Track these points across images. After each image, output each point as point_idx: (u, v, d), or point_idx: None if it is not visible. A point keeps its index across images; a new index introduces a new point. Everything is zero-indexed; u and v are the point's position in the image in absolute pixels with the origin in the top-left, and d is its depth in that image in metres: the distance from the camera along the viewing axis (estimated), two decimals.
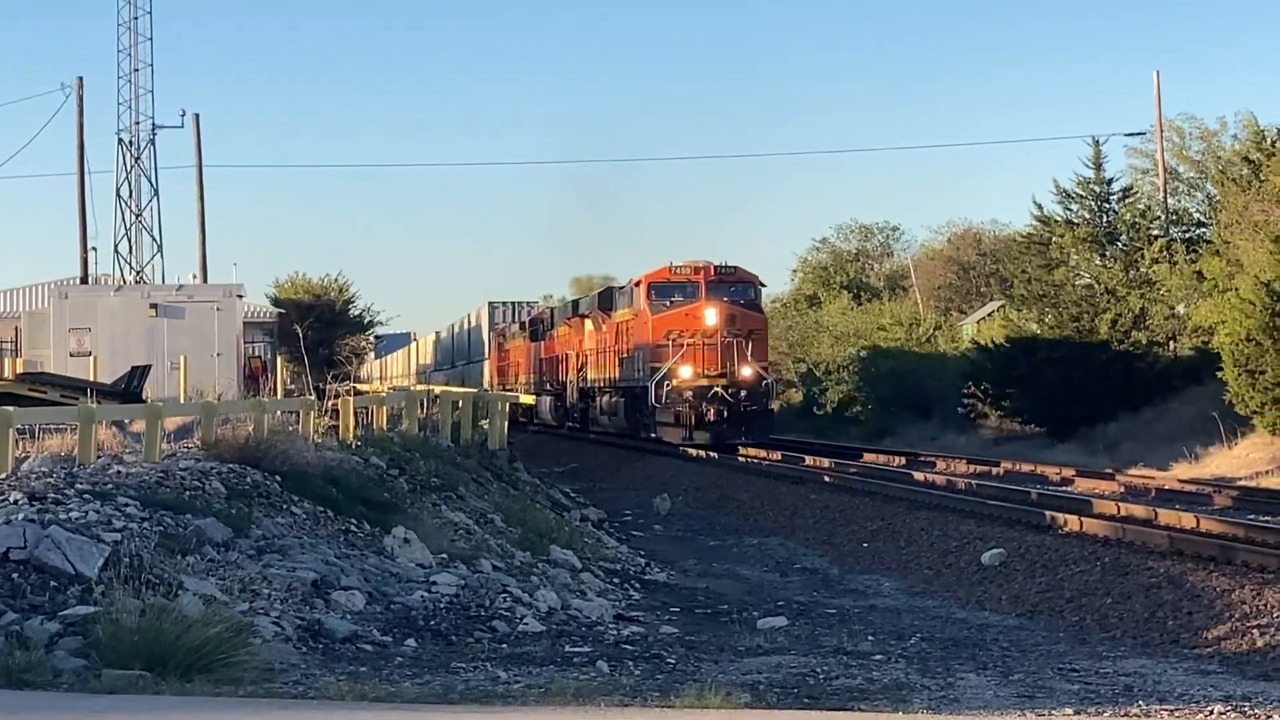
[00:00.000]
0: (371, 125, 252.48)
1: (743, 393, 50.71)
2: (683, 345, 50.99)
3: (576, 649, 15.94)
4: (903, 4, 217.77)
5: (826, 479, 38.41)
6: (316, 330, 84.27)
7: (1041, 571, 23.00)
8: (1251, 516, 27.82)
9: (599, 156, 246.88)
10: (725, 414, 50.59)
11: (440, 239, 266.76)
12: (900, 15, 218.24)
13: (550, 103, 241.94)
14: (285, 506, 19.14)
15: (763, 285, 59.85)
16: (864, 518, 30.91)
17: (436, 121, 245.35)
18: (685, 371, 50.76)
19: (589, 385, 63.98)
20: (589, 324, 63.68)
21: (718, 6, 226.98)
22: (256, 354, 63.03)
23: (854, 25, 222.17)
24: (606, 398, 60.47)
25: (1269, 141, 53.09)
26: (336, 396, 30.76)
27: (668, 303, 52.47)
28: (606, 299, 61.10)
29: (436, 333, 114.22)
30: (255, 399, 30.38)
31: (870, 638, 18.01)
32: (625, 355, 56.49)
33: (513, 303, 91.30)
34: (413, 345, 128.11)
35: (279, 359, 56.36)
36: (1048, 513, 26.84)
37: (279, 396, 36.19)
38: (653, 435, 53.56)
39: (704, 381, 50.57)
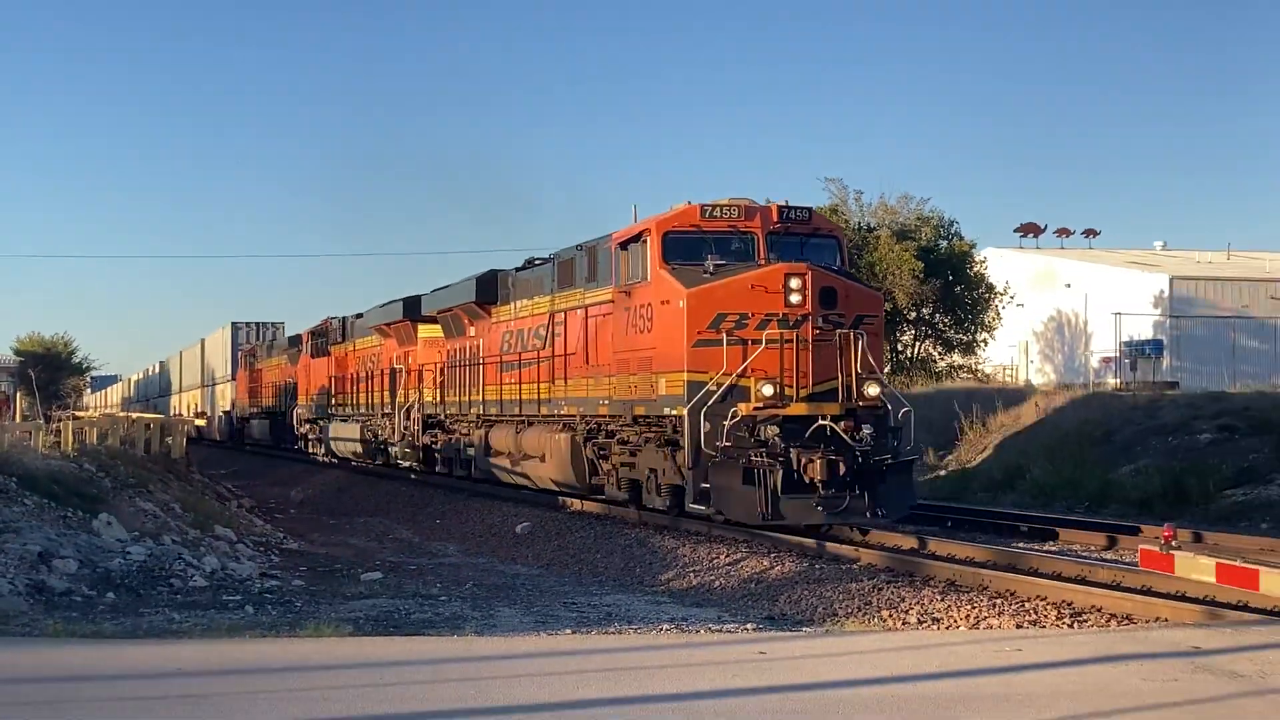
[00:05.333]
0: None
1: (866, 429, 20.03)
2: (753, 343, 20.08)
3: (231, 597, 15.70)
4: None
5: (412, 476, 37.28)
6: (47, 373, 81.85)
7: (555, 537, 23.23)
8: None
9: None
10: (842, 470, 19.63)
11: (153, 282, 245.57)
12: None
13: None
14: (19, 499, 18.34)
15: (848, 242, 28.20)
16: (437, 503, 30.76)
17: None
18: (766, 389, 20.02)
19: (446, 412, 32.71)
20: (434, 330, 33.63)
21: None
22: (2, 390, 60.38)
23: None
24: (522, 436, 26.69)
25: None
26: (59, 420, 30.25)
27: (708, 268, 20.68)
28: (488, 288, 29.26)
29: (163, 366, 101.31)
30: None
31: (438, 585, 17.99)
32: (581, 363, 23.84)
33: (257, 323, 68.50)
34: (120, 383, 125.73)
35: (18, 394, 53.60)
36: (560, 498, 27.17)
37: (17, 421, 34.73)
38: (696, 506, 20.34)
39: (802, 409, 20.07)
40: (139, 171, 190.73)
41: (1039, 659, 10.70)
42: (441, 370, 33.14)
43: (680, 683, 9.84)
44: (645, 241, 21.37)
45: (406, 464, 36.12)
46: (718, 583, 17.53)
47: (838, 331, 19.94)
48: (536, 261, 27.87)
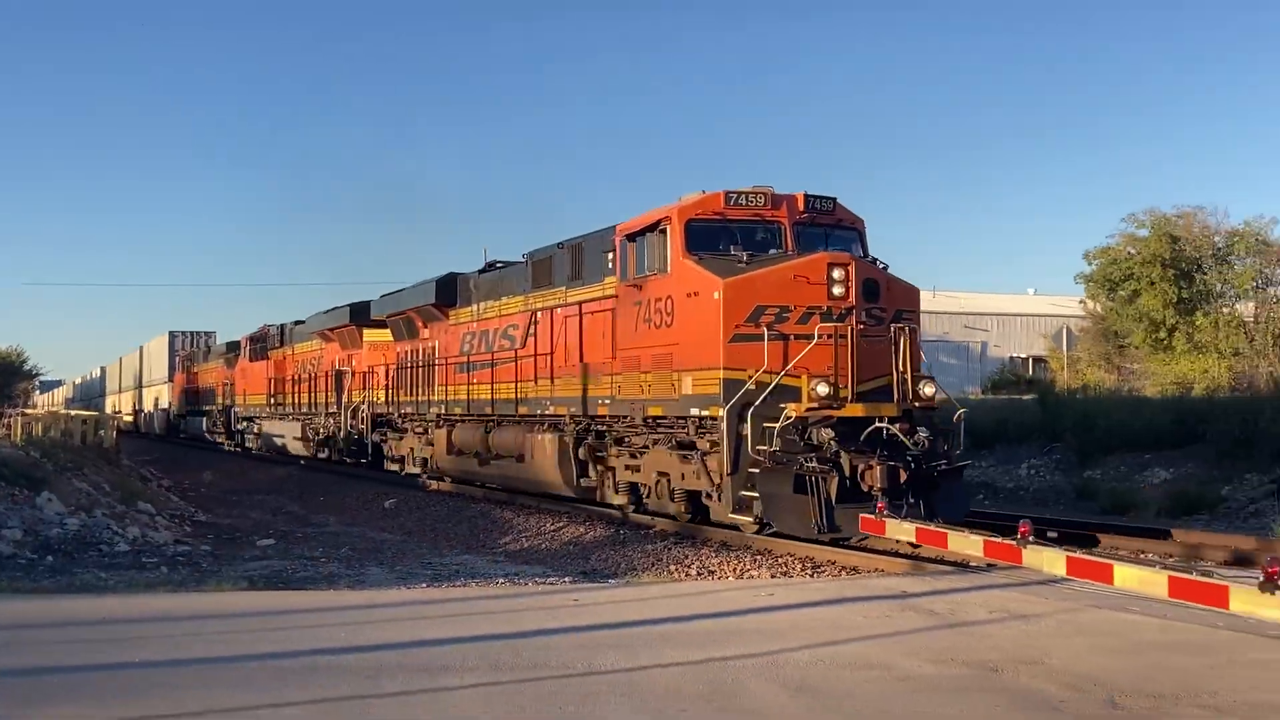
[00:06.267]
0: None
1: (922, 432, 14.63)
2: (796, 338, 14.62)
3: (150, 559, 15.17)
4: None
5: (301, 462, 36.35)
6: (1, 379, 78.69)
7: (416, 510, 22.97)
8: None
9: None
10: (903, 477, 14.30)
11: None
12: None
13: None
14: None
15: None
16: (322, 484, 30.17)
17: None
18: (822, 389, 14.36)
19: (401, 412, 27.12)
20: (382, 334, 28.67)
21: None
22: None
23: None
24: (493, 436, 21.60)
25: None
26: (10, 417, 29.21)
27: (741, 258, 15.18)
28: (448, 291, 24.06)
29: (103, 371, 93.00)
30: None
31: (320, 549, 17.57)
32: (573, 361, 18.48)
33: (192, 332, 61.52)
34: (65, 386, 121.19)
35: None
36: (420, 480, 26.84)
37: None
38: (736, 515, 14.90)
39: (859, 409, 14.52)
40: (91, 198, 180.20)
41: (788, 601, 10.89)
42: (389, 372, 28.04)
43: (511, 624, 9.80)
44: (664, 231, 15.94)
45: (352, 460, 31.13)
46: (544, 545, 17.46)
47: (893, 326, 15.02)
48: (499, 264, 23.07)
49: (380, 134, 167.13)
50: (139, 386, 71.06)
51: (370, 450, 29.80)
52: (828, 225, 16.27)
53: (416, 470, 26.39)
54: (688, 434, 15.74)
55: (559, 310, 19.26)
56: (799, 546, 15.10)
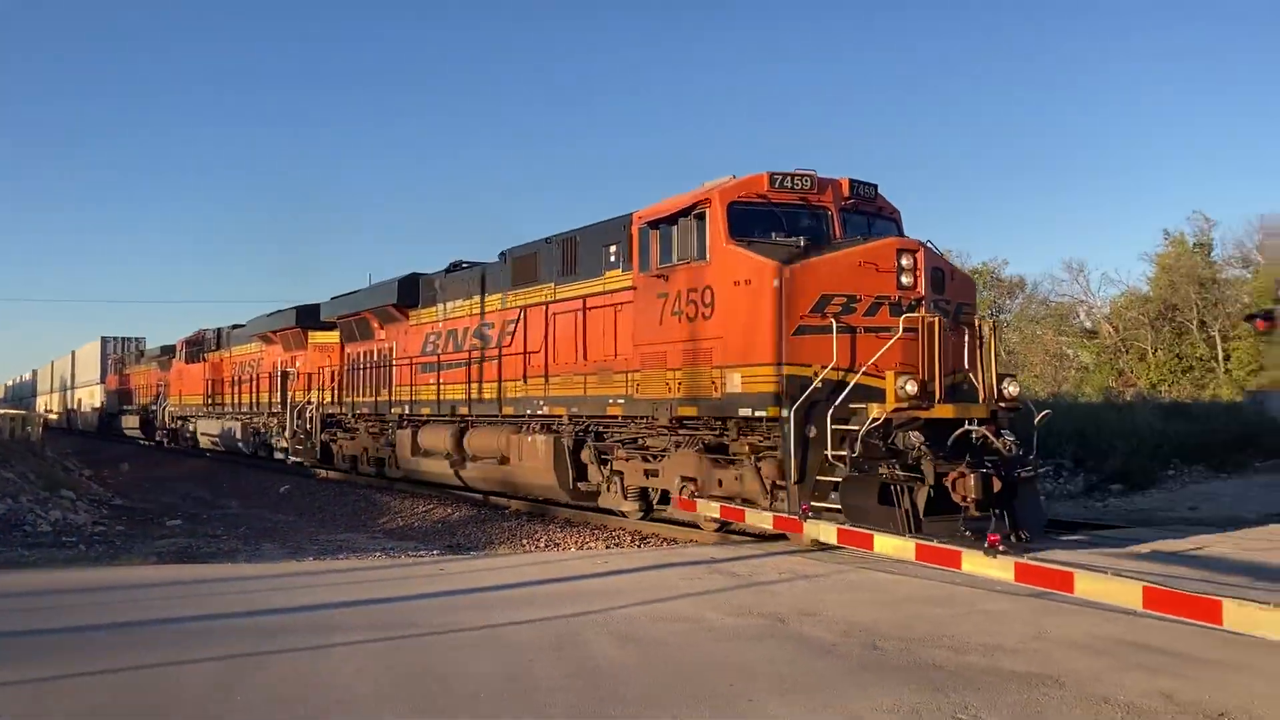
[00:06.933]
0: None
1: (1008, 435, 10.87)
2: (864, 330, 11.07)
3: (69, 539, 14.35)
4: None
5: (207, 454, 35.04)
6: None
7: (308, 496, 22.31)
8: None
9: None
10: (997, 487, 10.46)
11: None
12: None
13: None
14: None
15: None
16: (226, 474, 29.07)
17: None
18: (910, 387, 10.56)
19: (356, 412, 22.83)
20: (329, 336, 24.22)
21: None
22: None
23: None
24: (470, 437, 17.86)
25: None
26: None
27: (798, 243, 11.58)
28: (410, 291, 20.17)
29: (34, 374, 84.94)
30: None
31: (221, 528, 16.89)
32: (569, 360, 14.83)
33: (123, 338, 55.88)
34: None
35: None
36: (312, 470, 26.09)
37: None
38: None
39: (949, 410, 10.80)
40: (25, 206, 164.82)
41: (620, 567, 10.93)
42: (335, 374, 23.77)
43: (385, 590, 9.63)
44: (703, 215, 12.39)
45: (298, 459, 25.89)
46: (416, 524, 17.16)
47: (976, 319, 12.05)
48: (465, 264, 19.32)
49: (302, 155, 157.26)
50: (69, 388, 66.90)
51: (319, 450, 25.00)
52: (870, 213, 12.95)
53: (371, 470, 22.60)
54: (719, 436, 12.64)
55: (550, 306, 15.67)
56: (628, 523, 15.17)
